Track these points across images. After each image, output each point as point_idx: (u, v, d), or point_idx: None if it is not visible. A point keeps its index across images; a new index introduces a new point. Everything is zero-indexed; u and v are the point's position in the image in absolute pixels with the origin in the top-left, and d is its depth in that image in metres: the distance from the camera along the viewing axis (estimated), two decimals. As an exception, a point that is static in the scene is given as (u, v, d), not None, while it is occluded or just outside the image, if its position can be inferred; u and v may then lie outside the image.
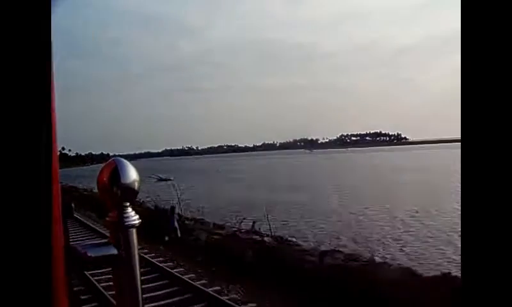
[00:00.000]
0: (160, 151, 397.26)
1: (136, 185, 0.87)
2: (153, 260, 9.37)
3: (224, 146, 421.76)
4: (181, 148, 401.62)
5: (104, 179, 0.84)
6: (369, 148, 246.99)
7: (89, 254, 0.80)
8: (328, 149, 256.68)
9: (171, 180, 45.36)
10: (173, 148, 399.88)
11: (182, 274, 8.41)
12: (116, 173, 0.85)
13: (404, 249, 13.32)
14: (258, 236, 10.66)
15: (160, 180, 48.35)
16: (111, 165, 0.86)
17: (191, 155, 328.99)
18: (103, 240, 0.86)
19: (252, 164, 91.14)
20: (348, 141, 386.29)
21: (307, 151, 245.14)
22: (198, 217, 15.02)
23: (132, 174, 0.86)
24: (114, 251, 0.82)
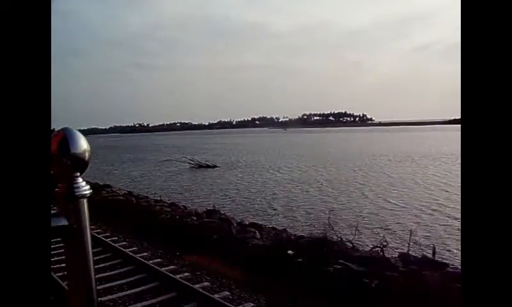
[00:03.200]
0: (107, 127, 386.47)
1: (87, 156, 0.89)
2: None
3: (178, 123, 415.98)
4: (132, 125, 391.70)
5: (53, 149, 0.86)
6: (334, 128, 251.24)
7: None
8: (304, 129, 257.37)
9: (217, 166, 35.40)
10: (122, 125, 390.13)
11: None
12: (65, 142, 0.86)
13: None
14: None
15: (200, 166, 35.57)
16: (60, 135, 0.87)
17: (142, 132, 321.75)
18: (52, 212, 0.88)
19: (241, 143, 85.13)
20: (310, 120, 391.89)
21: (272, 129, 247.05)
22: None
23: (82, 143, 0.88)
24: (65, 222, 0.85)
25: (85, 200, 0.88)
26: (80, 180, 0.89)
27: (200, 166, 35.52)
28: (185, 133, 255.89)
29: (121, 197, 15.77)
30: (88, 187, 0.89)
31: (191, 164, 35.94)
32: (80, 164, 0.89)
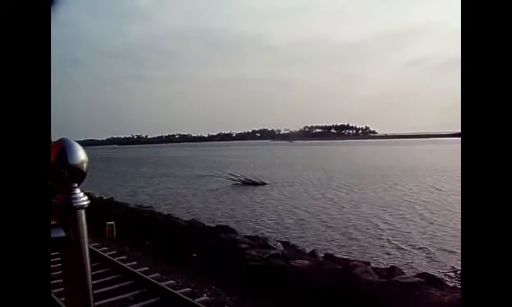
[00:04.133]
0: (104, 139, 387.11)
1: (85, 166, 0.91)
2: None
3: (176, 135, 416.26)
4: (129, 136, 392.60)
5: (51, 160, 0.88)
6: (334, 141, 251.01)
7: None
8: (308, 141, 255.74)
9: (266, 183, 31.05)
10: (120, 136, 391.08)
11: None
12: (63, 153, 0.88)
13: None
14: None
15: (245, 183, 31.31)
16: (58, 146, 0.89)
17: (141, 143, 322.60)
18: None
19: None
20: (312, 132, 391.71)
21: (276, 141, 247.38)
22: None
23: (80, 154, 0.90)
24: (62, 234, 0.87)
25: (83, 211, 0.89)
26: (78, 190, 0.90)
27: (245, 183, 31.33)
28: (184, 145, 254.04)
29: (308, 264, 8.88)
30: (85, 197, 0.90)
31: (234, 180, 32.15)
32: (78, 174, 0.90)
